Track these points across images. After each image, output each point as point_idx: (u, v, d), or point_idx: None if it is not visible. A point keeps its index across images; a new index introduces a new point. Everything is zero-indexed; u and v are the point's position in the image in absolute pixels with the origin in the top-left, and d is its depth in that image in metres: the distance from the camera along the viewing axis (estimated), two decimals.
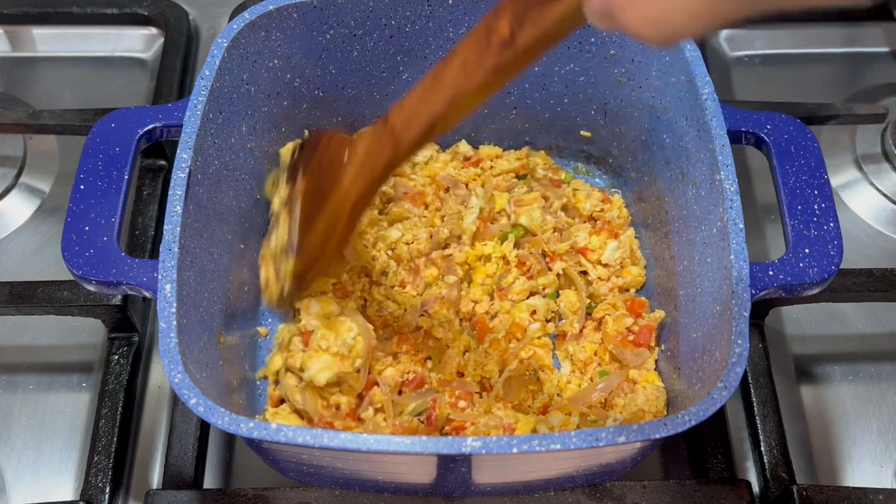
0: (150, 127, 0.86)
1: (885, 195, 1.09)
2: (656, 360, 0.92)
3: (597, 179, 1.06)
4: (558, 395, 0.90)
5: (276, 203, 0.83)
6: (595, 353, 0.92)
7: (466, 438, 0.67)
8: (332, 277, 0.94)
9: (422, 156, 1.03)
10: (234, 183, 0.90)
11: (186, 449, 0.88)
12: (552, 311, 0.95)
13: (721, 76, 1.21)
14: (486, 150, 1.04)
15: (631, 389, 0.88)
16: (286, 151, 0.87)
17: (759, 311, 0.97)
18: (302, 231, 0.79)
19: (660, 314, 0.91)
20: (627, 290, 0.96)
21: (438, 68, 0.68)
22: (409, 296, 0.94)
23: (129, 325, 0.96)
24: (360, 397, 0.87)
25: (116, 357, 0.95)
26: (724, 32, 1.25)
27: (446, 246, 0.97)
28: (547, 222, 0.97)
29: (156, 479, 0.91)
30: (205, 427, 0.90)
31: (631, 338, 0.91)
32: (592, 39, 0.93)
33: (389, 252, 0.96)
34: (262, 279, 0.84)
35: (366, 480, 0.82)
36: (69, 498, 0.89)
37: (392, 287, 0.94)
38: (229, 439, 0.93)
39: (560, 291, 0.96)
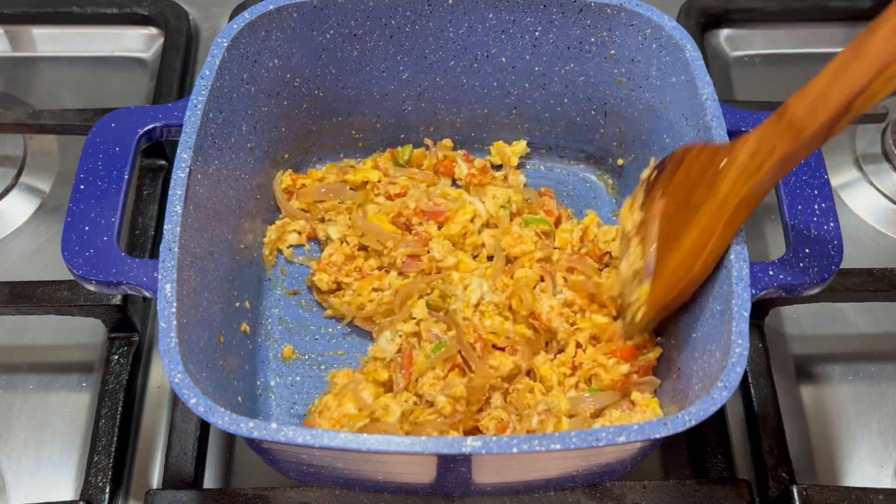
0: (150, 127, 0.86)
1: (885, 195, 1.09)
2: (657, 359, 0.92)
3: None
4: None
5: (629, 225, 0.80)
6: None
7: (466, 438, 0.67)
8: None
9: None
10: (234, 183, 0.90)
11: (186, 449, 0.88)
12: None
13: (721, 76, 1.21)
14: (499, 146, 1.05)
15: (629, 408, 0.87)
16: (646, 174, 0.83)
17: (759, 311, 0.97)
18: (661, 254, 0.77)
19: (656, 353, 0.88)
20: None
21: (856, 43, 0.62)
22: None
23: (129, 325, 0.96)
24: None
25: (116, 357, 0.95)
26: (724, 32, 1.25)
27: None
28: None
29: (156, 479, 0.91)
30: (205, 427, 0.90)
31: (634, 377, 0.88)
32: (592, 39, 0.93)
33: None
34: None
35: (366, 480, 0.82)
36: (69, 498, 0.89)
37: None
38: (229, 439, 0.93)
39: None
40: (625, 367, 0.87)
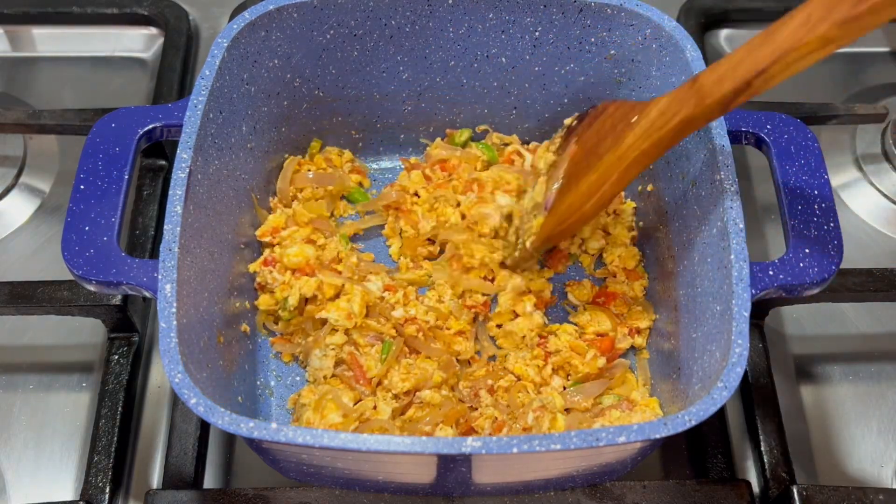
0: (150, 127, 0.86)
1: (885, 195, 1.09)
2: (649, 360, 0.93)
3: None
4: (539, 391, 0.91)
5: (541, 164, 0.86)
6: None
7: (466, 438, 0.67)
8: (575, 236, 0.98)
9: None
10: (234, 183, 0.90)
11: (186, 449, 0.88)
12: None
13: None
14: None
15: (629, 408, 0.88)
16: (568, 121, 0.88)
17: (759, 311, 0.97)
18: (561, 192, 0.83)
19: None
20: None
21: (773, 27, 0.67)
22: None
23: (129, 325, 0.96)
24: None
25: (116, 357, 0.94)
26: (724, 32, 1.25)
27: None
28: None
29: (156, 479, 0.91)
30: (205, 427, 0.90)
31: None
32: (592, 40, 0.93)
33: None
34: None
35: (366, 480, 0.82)
36: (69, 498, 0.89)
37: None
38: (229, 439, 0.93)
39: None
40: (601, 361, 0.90)
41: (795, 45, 0.65)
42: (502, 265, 0.94)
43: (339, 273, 0.93)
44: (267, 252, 0.95)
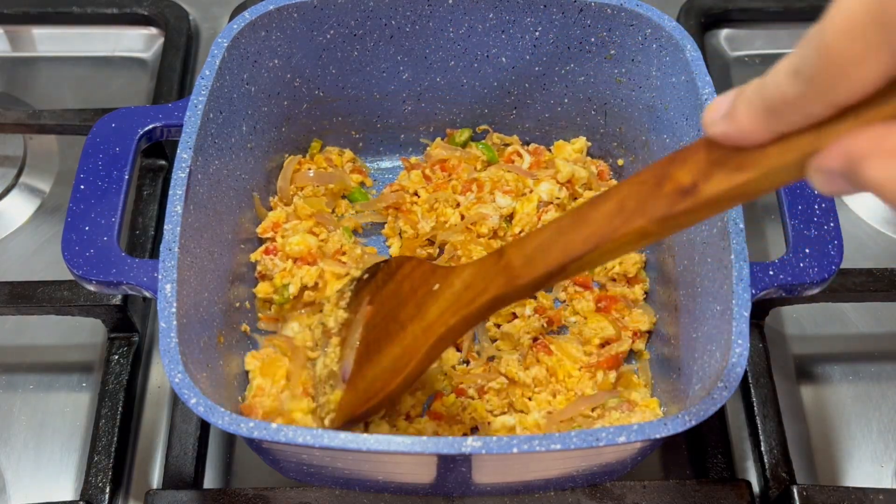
0: (151, 127, 0.86)
1: None
2: (650, 361, 0.93)
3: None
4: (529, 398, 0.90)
5: (331, 322, 0.79)
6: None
7: (466, 438, 0.67)
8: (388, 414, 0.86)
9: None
10: (234, 183, 0.90)
11: (186, 449, 0.88)
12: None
13: (721, 76, 1.21)
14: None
15: (629, 409, 0.88)
16: (356, 274, 0.83)
17: (759, 311, 0.97)
18: (360, 363, 0.76)
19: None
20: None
21: (582, 208, 0.62)
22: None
23: (129, 325, 0.96)
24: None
25: (116, 357, 0.95)
26: (724, 32, 1.25)
27: None
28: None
29: (156, 479, 0.91)
30: (205, 427, 0.90)
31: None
32: (592, 40, 0.93)
33: None
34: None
35: (366, 480, 0.82)
36: (69, 498, 0.89)
37: None
38: (229, 439, 0.93)
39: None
40: (612, 375, 0.89)
41: (612, 236, 0.59)
42: None
43: (344, 263, 0.93)
44: (269, 241, 0.95)
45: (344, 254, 0.94)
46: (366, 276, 0.79)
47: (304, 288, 0.92)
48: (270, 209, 0.98)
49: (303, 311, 0.92)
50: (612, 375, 0.90)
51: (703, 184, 0.53)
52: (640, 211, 0.57)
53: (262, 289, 0.93)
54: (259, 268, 0.94)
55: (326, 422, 0.78)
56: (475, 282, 0.71)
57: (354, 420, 0.78)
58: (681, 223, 0.56)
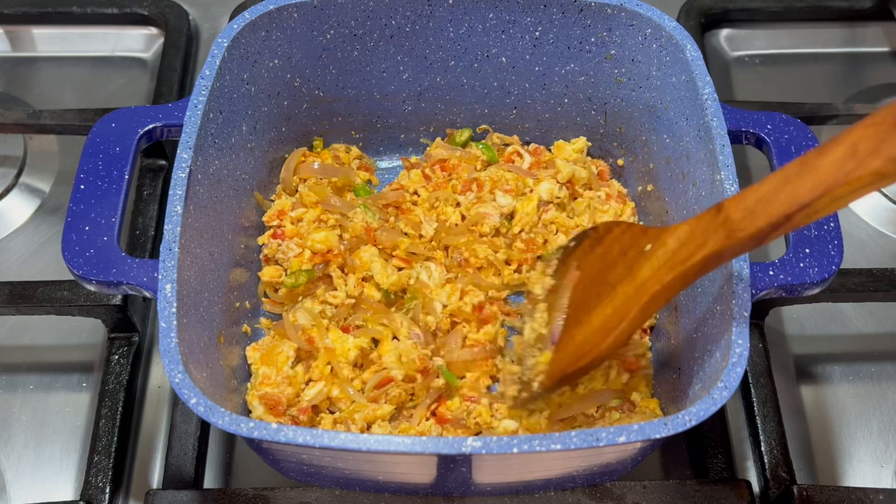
0: (150, 127, 0.86)
1: (885, 195, 1.09)
2: (651, 360, 0.92)
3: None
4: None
5: (538, 289, 0.79)
6: None
7: (466, 438, 0.67)
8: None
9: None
10: (234, 183, 0.90)
11: (186, 449, 0.88)
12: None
13: (721, 76, 1.21)
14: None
15: (630, 410, 0.88)
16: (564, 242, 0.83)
17: (759, 311, 0.97)
18: (569, 325, 0.75)
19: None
20: None
21: (807, 157, 0.61)
22: None
23: (129, 325, 0.96)
24: None
25: (116, 357, 0.95)
26: (724, 32, 1.25)
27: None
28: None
29: (156, 479, 0.91)
30: (205, 427, 0.90)
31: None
32: (592, 39, 0.93)
33: None
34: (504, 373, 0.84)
35: (366, 480, 0.82)
36: (69, 498, 0.89)
37: None
38: (229, 439, 0.93)
39: None
40: (625, 377, 0.89)
41: (844, 180, 0.58)
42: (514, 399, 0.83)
43: (408, 261, 0.95)
44: (275, 227, 0.96)
45: (376, 230, 0.95)
46: (572, 244, 0.79)
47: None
48: (273, 202, 0.98)
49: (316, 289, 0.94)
50: (626, 377, 0.89)
51: None
52: (875, 153, 0.56)
53: (269, 272, 0.94)
54: (265, 251, 0.95)
55: (535, 384, 0.78)
56: (691, 239, 0.70)
57: (564, 380, 0.79)
58: None
